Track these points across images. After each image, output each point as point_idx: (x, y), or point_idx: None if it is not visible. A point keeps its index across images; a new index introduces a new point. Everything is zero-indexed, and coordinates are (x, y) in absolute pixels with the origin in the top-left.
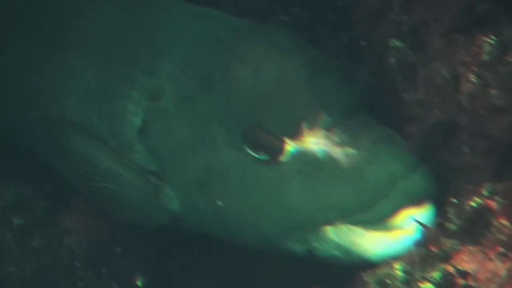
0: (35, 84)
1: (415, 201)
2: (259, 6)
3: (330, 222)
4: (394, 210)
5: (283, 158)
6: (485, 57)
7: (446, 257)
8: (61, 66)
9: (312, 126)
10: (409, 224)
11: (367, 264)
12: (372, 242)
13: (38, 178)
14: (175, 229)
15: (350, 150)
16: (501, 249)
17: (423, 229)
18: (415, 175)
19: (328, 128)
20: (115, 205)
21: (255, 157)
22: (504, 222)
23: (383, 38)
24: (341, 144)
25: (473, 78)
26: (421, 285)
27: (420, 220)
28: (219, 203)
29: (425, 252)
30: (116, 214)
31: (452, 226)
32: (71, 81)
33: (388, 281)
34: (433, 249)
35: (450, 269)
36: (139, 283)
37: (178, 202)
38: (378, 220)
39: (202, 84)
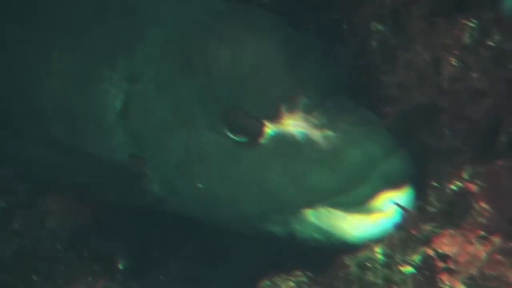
0: (15, 66)
1: (394, 184)
2: None
3: (310, 204)
4: (374, 192)
5: (262, 140)
6: (466, 41)
7: (427, 240)
8: (41, 48)
9: (291, 109)
10: (388, 207)
11: (347, 247)
12: (351, 225)
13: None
14: (156, 211)
15: (329, 133)
16: (482, 232)
17: (402, 211)
18: (394, 157)
19: (307, 111)
20: (96, 191)
21: (234, 140)
22: (484, 205)
23: (365, 21)
24: (320, 127)
25: (454, 61)
26: (401, 268)
27: (399, 202)
28: (200, 185)
29: (405, 235)
30: (98, 199)
31: (432, 209)
32: (51, 63)
33: (369, 264)
34: (414, 232)
35: (431, 252)
36: (120, 266)
37: (159, 184)
38: (358, 203)
39: (181, 66)
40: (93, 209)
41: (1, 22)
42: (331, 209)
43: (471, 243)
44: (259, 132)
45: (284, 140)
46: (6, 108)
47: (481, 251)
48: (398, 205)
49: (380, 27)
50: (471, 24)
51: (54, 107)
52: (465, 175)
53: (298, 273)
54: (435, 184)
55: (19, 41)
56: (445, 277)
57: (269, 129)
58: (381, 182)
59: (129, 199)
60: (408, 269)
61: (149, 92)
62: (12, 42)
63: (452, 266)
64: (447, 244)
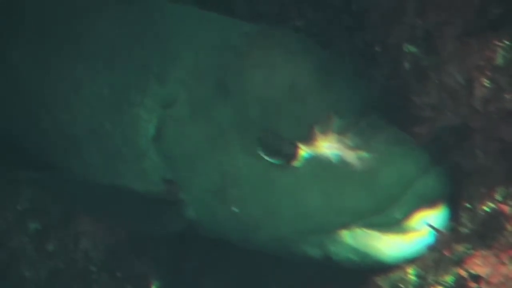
0: (48, 93)
1: (430, 203)
2: (273, 10)
3: (345, 225)
4: (409, 212)
5: (297, 163)
6: (499, 61)
7: (459, 261)
8: (73, 74)
9: (324, 130)
10: (424, 226)
11: (383, 267)
12: (387, 245)
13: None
14: (190, 234)
15: (363, 153)
16: None
17: (436, 231)
18: (428, 176)
19: (340, 132)
20: (131, 222)
21: (269, 162)
22: None
23: (397, 42)
24: (354, 148)
25: (486, 82)
26: None
27: (434, 221)
28: (235, 209)
29: (438, 256)
30: (132, 229)
31: (465, 230)
32: (83, 89)
33: (401, 285)
34: (446, 253)
35: (463, 273)
36: (154, 286)
37: (194, 208)
38: (393, 222)
39: (214, 90)
40: (126, 229)
41: (34, 49)
42: (366, 230)
43: (503, 264)
44: (294, 154)
45: (318, 163)
46: (38, 134)
47: None
48: (431, 226)
49: (412, 48)
50: (504, 45)
51: (87, 132)
52: (497, 196)
53: None
54: (467, 205)
55: (51, 67)
56: None
57: (304, 151)
58: (416, 201)
59: (164, 225)
60: None
61: (183, 117)
62: (45, 69)
63: (484, 287)
64: (480, 265)
